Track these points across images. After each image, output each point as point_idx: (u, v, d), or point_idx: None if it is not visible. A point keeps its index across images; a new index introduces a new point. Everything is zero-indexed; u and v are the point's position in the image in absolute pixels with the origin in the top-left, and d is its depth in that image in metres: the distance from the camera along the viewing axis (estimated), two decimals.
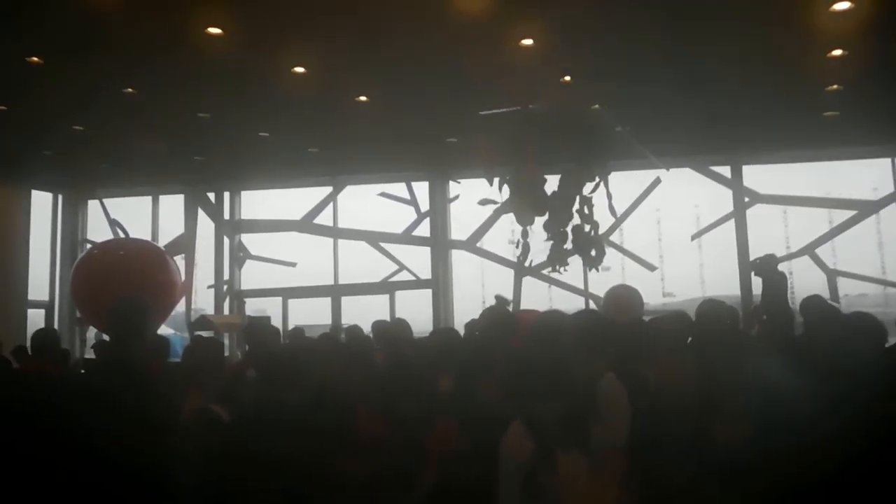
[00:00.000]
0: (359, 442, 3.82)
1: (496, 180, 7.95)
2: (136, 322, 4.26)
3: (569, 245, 8.09)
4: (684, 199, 12.58)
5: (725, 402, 3.35)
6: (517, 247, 7.98)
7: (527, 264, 8.43)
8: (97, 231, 13.84)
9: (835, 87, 8.68)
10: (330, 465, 3.39)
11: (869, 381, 2.95)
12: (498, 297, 5.11)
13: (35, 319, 12.88)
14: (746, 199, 12.21)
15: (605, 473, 2.97)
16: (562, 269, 8.39)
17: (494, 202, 8.15)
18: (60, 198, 13.87)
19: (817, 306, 5.16)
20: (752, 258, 10.64)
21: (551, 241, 8.23)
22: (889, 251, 12.17)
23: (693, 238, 12.62)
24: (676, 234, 12.80)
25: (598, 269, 8.41)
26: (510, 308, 4.85)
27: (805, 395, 2.95)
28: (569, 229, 8.32)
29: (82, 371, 8.05)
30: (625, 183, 11.41)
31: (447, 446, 3.52)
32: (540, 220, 8.22)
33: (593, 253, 8.04)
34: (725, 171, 12.26)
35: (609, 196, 8.63)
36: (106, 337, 9.98)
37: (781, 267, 10.04)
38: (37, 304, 13.15)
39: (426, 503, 3.54)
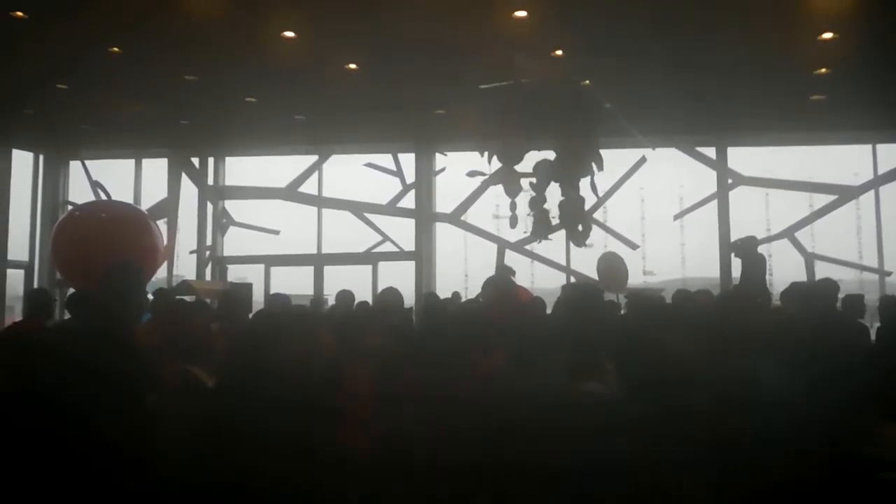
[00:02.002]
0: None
1: (486, 153, 7.95)
2: (128, 286, 4.22)
3: (555, 220, 8.13)
4: (668, 178, 12.66)
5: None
6: (512, 211, 7.98)
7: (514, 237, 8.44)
8: (78, 193, 13.67)
9: (823, 70, 8.75)
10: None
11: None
12: (503, 267, 5.14)
13: (14, 280, 12.77)
14: (730, 181, 12.31)
15: None
16: (541, 240, 8.44)
17: (483, 174, 8.17)
18: (42, 158, 13.66)
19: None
20: (732, 239, 10.76)
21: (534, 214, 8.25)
22: (867, 237, 12.37)
23: (675, 218, 12.72)
24: (659, 213, 12.91)
25: (582, 246, 8.45)
26: (514, 278, 4.84)
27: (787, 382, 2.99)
28: (556, 205, 8.35)
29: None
30: (610, 161, 11.46)
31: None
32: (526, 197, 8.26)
33: (580, 228, 8.09)
34: (710, 152, 12.34)
35: (593, 173, 8.65)
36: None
37: (761, 249, 10.19)
38: (16, 265, 13.01)
39: None
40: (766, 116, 10.62)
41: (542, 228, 7.99)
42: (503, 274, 5.04)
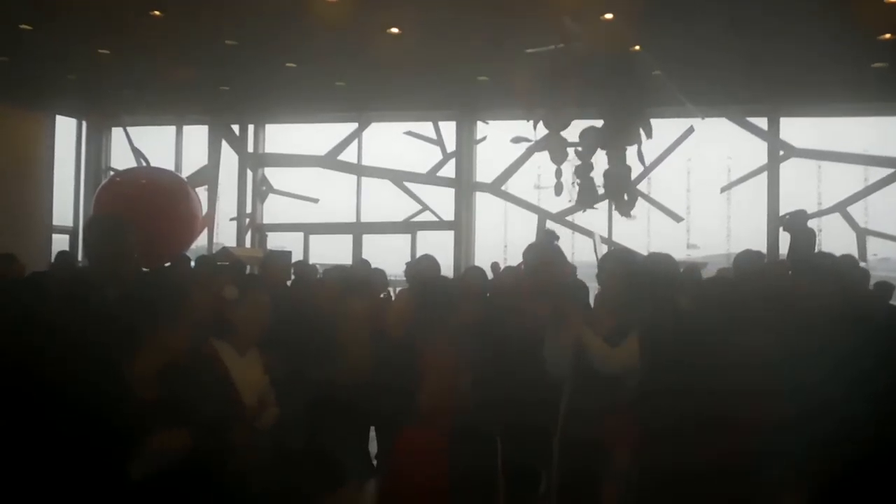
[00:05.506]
0: None
1: (532, 119, 7.73)
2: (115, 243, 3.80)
3: (601, 190, 7.91)
4: (717, 149, 12.30)
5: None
6: (557, 178, 7.78)
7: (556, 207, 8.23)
8: (120, 159, 13.78)
9: (888, 35, 8.31)
10: None
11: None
12: (547, 231, 4.94)
13: (59, 245, 12.94)
14: (781, 153, 11.90)
15: None
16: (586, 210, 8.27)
17: (528, 140, 7.97)
18: (84, 124, 13.77)
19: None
20: (781, 213, 10.40)
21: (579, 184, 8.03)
22: None
23: (723, 190, 12.38)
24: (706, 185, 12.56)
25: (628, 216, 8.21)
26: (558, 243, 4.64)
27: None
28: (601, 174, 8.11)
29: None
30: (657, 130, 11.11)
31: None
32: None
33: (626, 198, 7.86)
34: (762, 122, 11.92)
35: (640, 142, 8.37)
36: None
37: (811, 223, 9.81)
38: (61, 230, 13.21)
39: None
40: (822, 85, 10.18)
41: (588, 197, 7.77)
42: (546, 239, 4.83)
